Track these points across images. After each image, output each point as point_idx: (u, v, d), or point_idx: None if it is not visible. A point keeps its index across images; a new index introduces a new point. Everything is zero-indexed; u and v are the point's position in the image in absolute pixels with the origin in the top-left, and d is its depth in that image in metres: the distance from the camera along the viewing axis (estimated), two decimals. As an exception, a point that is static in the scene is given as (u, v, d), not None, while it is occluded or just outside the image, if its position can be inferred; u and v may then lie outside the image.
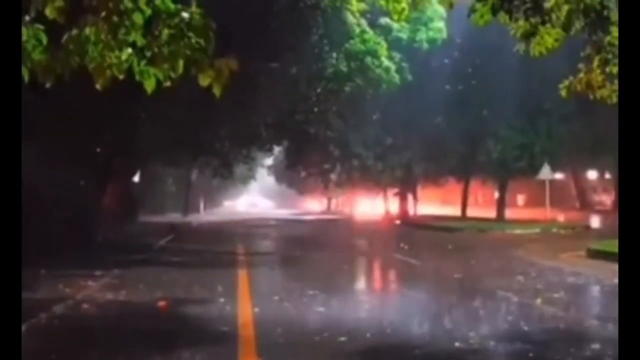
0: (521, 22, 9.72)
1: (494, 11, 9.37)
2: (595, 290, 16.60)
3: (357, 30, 32.86)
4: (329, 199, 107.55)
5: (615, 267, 19.20)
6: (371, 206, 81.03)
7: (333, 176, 71.72)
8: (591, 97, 11.59)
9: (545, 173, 40.36)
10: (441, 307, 13.05)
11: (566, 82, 11.86)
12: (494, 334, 10.27)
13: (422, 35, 36.81)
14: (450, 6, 10.85)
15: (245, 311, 12.09)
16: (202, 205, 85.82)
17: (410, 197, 63.64)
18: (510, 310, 13.03)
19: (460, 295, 14.77)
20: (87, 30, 6.43)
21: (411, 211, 62.87)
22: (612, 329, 10.40)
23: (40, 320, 11.07)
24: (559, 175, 52.61)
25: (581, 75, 11.44)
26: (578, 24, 10.24)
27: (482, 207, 57.77)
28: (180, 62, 6.59)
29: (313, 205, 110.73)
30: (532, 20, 9.28)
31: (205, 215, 72.35)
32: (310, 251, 26.58)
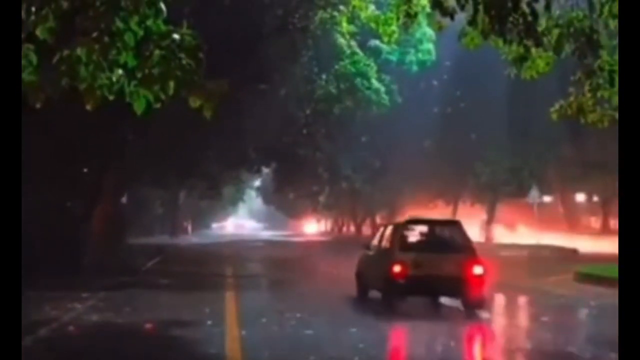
0: (514, 46, 9.75)
1: (485, 35, 9.39)
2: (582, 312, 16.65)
3: (347, 51, 32.93)
4: (326, 221, 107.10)
5: (600, 290, 19.39)
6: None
7: (321, 198, 71.59)
8: (582, 121, 11.63)
9: (534, 196, 40.44)
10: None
11: (557, 106, 11.91)
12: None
13: (411, 57, 36.84)
14: (440, 29, 10.92)
15: (233, 334, 12.00)
16: (189, 227, 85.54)
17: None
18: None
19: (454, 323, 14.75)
20: (79, 51, 6.40)
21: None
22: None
23: (25, 342, 10.93)
24: (547, 198, 52.75)
25: (572, 99, 11.49)
26: (568, 47, 10.29)
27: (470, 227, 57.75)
28: (171, 83, 6.57)
29: (308, 227, 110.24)
30: (526, 42, 9.30)
31: (193, 237, 72.09)
32: (298, 274, 26.46)
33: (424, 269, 15.12)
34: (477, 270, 15.15)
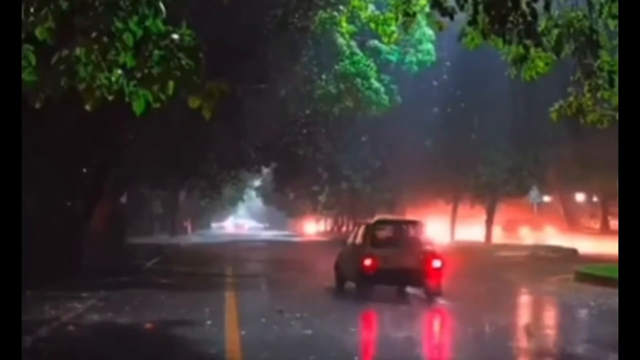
0: (513, 46, 9.75)
1: (485, 35, 9.39)
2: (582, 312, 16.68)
3: (347, 52, 32.91)
4: (326, 221, 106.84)
5: (600, 289, 19.43)
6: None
7: (321, 198, 71.58)
8: (582, 121, 11.63)
9: (534, 196, 40.41)
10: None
11: (556, 106, 11.90)
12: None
13: (411, 57, 36.80)
14: (440, 29, 10.93)
15: (233, 334, 11.99)
16: (189, 227, 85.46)
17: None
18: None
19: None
20: (78, 51, 6.39)
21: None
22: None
23: (25, 342, 10.91)
24: (547, 198, 52.69)
25: (571, 99, 11.48)
26: (568, 48, 10.29)
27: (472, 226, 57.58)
28: (171, 84, 6.57)
29: (308, 227, 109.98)
30: (526, 42, 9.31)
31: (193, 237, 72.02)
32: (298, 273, 26.45)
33: (391, 262, 17.59)
34: (436, 263, 17.64)
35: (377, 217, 22.78)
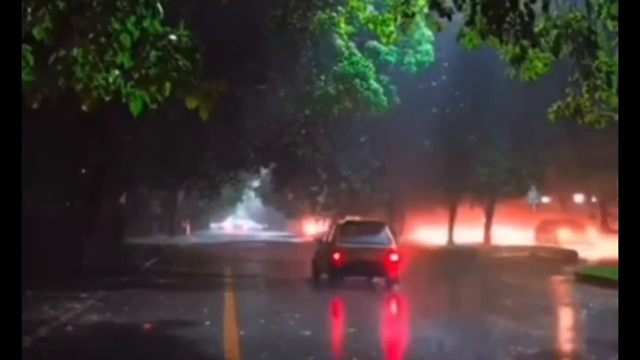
0: (510, 47, 9.74)
1: (483, 35, 9.39)
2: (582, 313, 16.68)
3: (346, 52, 32.88)
4: (325, 221, 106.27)
5: (600, 291, 19.46)
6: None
7: (320, 199, 71.49)
8: (580, 122, 11.63)
9: (533, 196, 40.40)
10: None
11: (555, 107, 11.89)
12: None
13: (410, 58, 36.76)
14: (439, 29, 10.92)
15: (231, 334, 12.00)
16: (188, 227, 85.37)
17: (397, 220, 63.51)
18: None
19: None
20: (75, 52, 6.39)
21: (399, 234, 62.71)
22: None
23: (24, 342, 10.91)
24: (546, 199, 52.62)
25: (569, 100, 11.48)
26: (566, 49, 10.29)
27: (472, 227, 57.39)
28: (168, 84, 6.56)
29: (308, 228, 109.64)
30: (523, 42, 9.31)
31: (191, 238, 71.97)
32: (297, 273, 26.45)
33: (357, 257, 20.92)
34: (394, 257, 21.09)
35: (346, 218, 25.77)
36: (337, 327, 14.82)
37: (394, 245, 21.66)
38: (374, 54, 34.72)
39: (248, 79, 25.57)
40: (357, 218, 27.80)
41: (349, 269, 21.06)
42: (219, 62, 17.70)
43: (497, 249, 42.61)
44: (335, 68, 32.89)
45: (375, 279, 21.97)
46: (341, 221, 24.57)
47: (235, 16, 23.81)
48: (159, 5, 6.62)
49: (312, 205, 75.85)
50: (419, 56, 36.82)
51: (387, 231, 22.54)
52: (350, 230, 22.75)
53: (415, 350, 11.76)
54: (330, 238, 22.78)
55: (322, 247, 23.59)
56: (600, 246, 37.46)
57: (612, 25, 10.10)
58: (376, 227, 23.48)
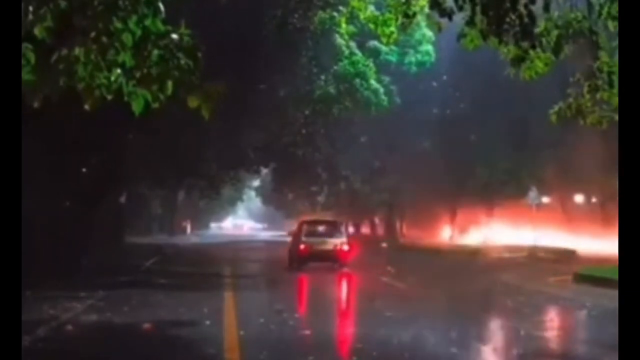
0: (511, 47, 9.73)
1: (484, 36, 9.38)
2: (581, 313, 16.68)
3: (346, 52, 32.88)
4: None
5: (599, 290, 19.44)
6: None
7: (320, 199, 71.52)
8: (581, 122, 11.61)
9: (533, 197, 40.35)
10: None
11: (556, 108, 11.87)
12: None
13: (410, 58, 36.80)
14: (439, 29, 10.88)
15: (231, 334, 11.98)
16: (188, 227, 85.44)
17: (397, 220, 63.59)
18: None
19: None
20: (77, 51, 6.38)
21: (399, 234, 62.77)
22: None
23: (24, 342, 10.90)
24: (546, 200, 52.54)
25: (571, 100, 11.47)
26: (567, 49, 10.28)
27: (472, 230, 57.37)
28: (169, 83, 6.56)
29: None
30: (523, 44, 9.30)
31: (191, 237, 72.02)
32: (296, 273, 26.49)
33: (317, 247, 28.22)
34: (345, 247, 28.23)
35: (310, 217, 34.71)
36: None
37: (345, 239, 28.69)
38: (375, 54, 34.76)
39: (248, 78, 25.56)
40: (318, 218, 38.18)
41: (311, 257, 28.10)
42: (220, 61, 17.68)
43: (503, 249, 42.54)
44: (335, 68, 32.93)
45: (331, 264, 27.89)
46: (305, 220, 33.61)
47: (235, 16, 23.81)
48: (160, 4, 6.62)
49: (312, 205, 75.86)
50: (419, 56, 36.89)
51: (341, 228, 30.08)
52: (313, 227, 30.74)
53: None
54: (298, 233, 29.98)
55: (293, 240, 30.82)
56: (600, 246, 37.39)
57: (612, 26, 10.09)
58: (333, 224, 31.33)
